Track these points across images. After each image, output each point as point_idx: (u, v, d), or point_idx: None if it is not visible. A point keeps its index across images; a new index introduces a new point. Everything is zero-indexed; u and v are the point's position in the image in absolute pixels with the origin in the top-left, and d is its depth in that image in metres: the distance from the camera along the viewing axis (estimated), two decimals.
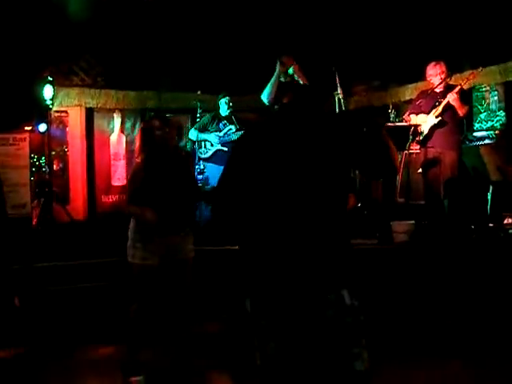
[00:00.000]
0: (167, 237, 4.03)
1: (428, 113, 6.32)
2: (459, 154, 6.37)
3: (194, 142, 7.79)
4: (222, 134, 7.37)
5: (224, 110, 7.46)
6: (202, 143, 7.47)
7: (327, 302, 2.30)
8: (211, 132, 7.41)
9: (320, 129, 2.43)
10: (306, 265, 2.32)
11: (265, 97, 6.55)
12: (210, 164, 7.40)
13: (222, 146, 7.33)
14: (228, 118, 7.46)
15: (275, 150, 2.41)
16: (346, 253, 2.40)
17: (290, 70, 6.76)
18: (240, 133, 7.29)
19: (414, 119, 6.40)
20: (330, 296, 2.31)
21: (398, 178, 7.00)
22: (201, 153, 7.46)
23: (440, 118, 6.23)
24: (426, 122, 6.29)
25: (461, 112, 6.23)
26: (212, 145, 7.41)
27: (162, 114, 4.43)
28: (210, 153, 7.43)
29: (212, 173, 7.26)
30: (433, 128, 6.29)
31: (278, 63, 6.53)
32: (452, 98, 6.14)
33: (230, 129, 7.40)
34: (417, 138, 6.39)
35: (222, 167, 2.55)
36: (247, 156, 2.48)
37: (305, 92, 2.62)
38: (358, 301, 2.36)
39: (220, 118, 7.45)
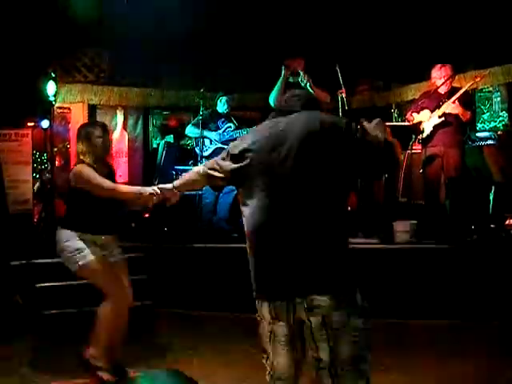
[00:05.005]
0: (103, 236, 4.05)
1: (431, 111, 6.29)
2: (462, 153, 6.35)
3: (193, 139, 7.69)
4: (221, 131, 7.30)
5: (222, 108, 7.41)
6: (201, 140, 7.34)
7: (340, 301, 2.31)
8: (211, 129, 7.32)
9: (316, 134, 2.42)
10: (314, 265, 2.32)
11: (271, 100, 6.61)
12: None
13: (222, 144, 7.21)
14: (226, 116, 7.42)
15: (273, 152, 2.43)
16: (349, 254, 2.41)
17: (301, 79, 6.74)
18: (239, 131, 7.25)
19: (417, 116, 6.37)
20: (344, 295, 2.33)
21: (400, 177, 7.01)
22: (200, 150, 7.29)
23: (443, 118, 6.20)
24: (428, 120, 6.27)
25: (464, 117, 6.19)
26: (211, 142, 7.31)
27: (101, 122, 4.58)
28: (210, 150, 7.31)
29: None
30: (436, 127, 6.26)
31: (283, 67, 6.58)
32: (452, 107, 6.11)
33: (230, 126, 7.34)
34: (418, 137, 6.37)
35: None
36: (245, 155, 2.50)
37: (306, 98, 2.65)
38: (367, 303, 2.37)
39: (218, 116, 7.38)
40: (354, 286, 2.36)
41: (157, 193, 3.30)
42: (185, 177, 3.00)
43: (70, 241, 3.96)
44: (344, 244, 2.42)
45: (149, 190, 3.45)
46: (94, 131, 4.11)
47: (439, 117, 6.21)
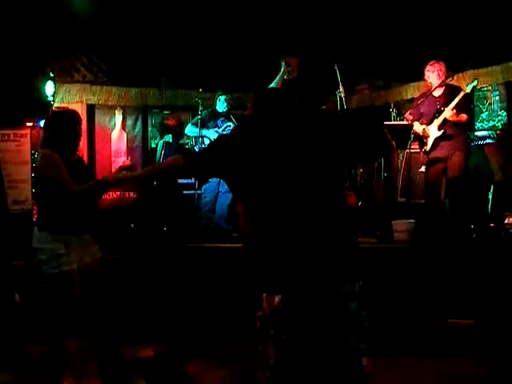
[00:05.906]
0: (81, 235, 3.84)
1: (429, 123, 6.21)
2: (466, 155, 6.30)
3: (192, 138, 7.70)
4: (220, 130, 7.29)
5: (222, 107, 7.41)
6: (200, 139, 7.31)
7: (352, 293, 2.32)
8: (210, 128, 7.30)
9: (313, 127, 2.48)
10: (323, 257, 2.34)
11: None
12: None
13: None
14: (226, 116, 7.42)
15: (272, 148, 2.44)
16: (356, 247, 2.44)
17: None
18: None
19: (417, 127, 6.30)
20: (355, 287, 2.33)
21: (399, 176, 7.01)
22: (199, 149, 7.18)
23: (443, 129, 6.12)
24: (428, 134, 6.20)
25: (461, 122, 6.15)
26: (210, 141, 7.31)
27: (74, 110, 4.15)
28: None
29: None
30: (437, 139, 6.18)
31: (283, 63, 6.58)
32: (448, 114, 6.07)
33: (229, 125, 7.35)
34: (424, 148, 6.29)
35: None
36: (242, 153, 2.49)
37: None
38: (365, 296, 2.39)
39: (218, 115, 7.38)
40: (360, 278, 2.39)
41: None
42: (156, 165, 2.82)
43: (46, 245, 3.73)
44: (355, 235, 2.47)
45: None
46: (66, 118, 3.86)
47: (439, 129, 6.13)
